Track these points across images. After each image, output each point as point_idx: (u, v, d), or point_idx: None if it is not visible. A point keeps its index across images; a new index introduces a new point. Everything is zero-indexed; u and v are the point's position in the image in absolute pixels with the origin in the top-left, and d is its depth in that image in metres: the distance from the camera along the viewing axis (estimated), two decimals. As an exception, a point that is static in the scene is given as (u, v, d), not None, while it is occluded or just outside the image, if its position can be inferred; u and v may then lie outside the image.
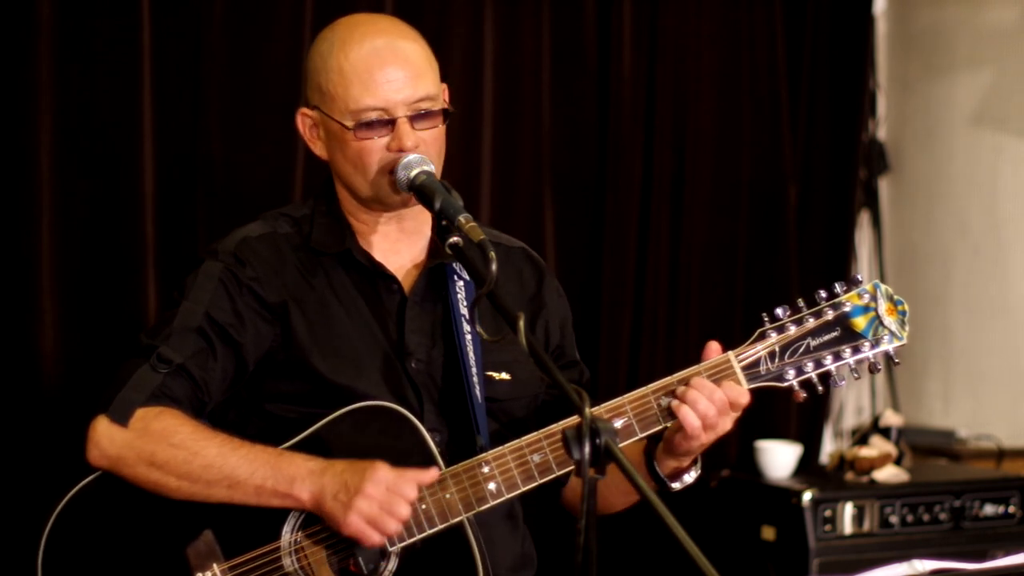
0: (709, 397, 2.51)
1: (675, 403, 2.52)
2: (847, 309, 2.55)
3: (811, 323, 2.55)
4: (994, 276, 5.05)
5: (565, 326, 2.86)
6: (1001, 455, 4.87)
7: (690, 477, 2.64)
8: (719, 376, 2.54)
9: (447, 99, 2.71)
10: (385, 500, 2.44)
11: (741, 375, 2.54)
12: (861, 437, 4.81)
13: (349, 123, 2.62)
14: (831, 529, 4.32)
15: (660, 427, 2.55)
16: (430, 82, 2.65)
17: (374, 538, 2.46)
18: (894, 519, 4.39)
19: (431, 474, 2.49)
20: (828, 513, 4.32)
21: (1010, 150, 5.00)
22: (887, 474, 4.50)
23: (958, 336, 5.14)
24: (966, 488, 4.49)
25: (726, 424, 2.53)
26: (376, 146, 2.62)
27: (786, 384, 2.55)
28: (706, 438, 2.53)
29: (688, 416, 2.50)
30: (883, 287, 2.58)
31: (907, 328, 2.57)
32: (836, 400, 5.21)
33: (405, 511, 2.45)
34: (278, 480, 2.48)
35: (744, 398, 2.53)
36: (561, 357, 2.83)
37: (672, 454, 2.58)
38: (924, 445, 4.96)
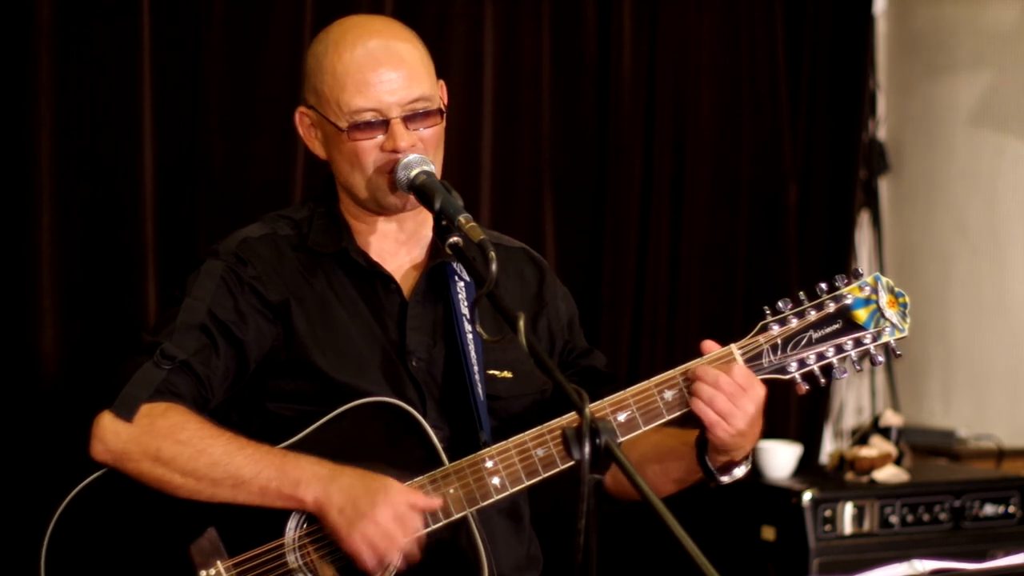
0: (713, 383, 2.50)
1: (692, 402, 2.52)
2: (848, 301, 2.56)
3: (813, 316, 2.56)
4: (994, 276, 5.05)
5: (572, 322, 2.88)
6: (1001, 455, 4.87)
7: (740, 471, 2.62)
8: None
9: (444, 97, 2.71)
10: (390, 529, 2.44)
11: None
12: (861, 437, 4.81)
13: (343, 124, 2.62)
14: (831, 529, 4.32)
15: (663, 420, 2.55)
16: (425, 82, 2.65)
17: (372, 563, 2.46)
18: (894, 519, 4.39)
19: (437, 501, 2.49)
20: (828, 513, 4.32)
21: (1010, 150, 5.00)
22: (887, 474, 4.50)
23: (958, 336, 5.14)
24: (966, 488, 4.49)
25: (746, 408, 2.50)
26: (371, 146, 2.62)
27: (788, 376, 2.56)
28: (728, 427, 2.50)
29: (696, 405, 2.51)
30: (884, 279, 2.59)
31: (908, 320, 2.59)
32: (836, 400, 5.21)
33: (407, 543, 2.45)
34: (283, 482, 2.49)
35: (740, 374, 2.50)
36: (572, 351, 2.84)
37: (715, 449, 2.57)
38: (924, 445, 4.96)
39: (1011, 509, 4.51)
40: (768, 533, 4.39)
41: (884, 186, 5.34)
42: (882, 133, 5.31)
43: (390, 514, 2.44)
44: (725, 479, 2.62)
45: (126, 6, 3.80)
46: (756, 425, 2.56)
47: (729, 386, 2.50)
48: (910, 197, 5.30)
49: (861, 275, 2.59)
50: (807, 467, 4.73)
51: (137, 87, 3.80)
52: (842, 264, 5.07)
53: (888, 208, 5.34)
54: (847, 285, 2.58)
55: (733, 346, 2.56)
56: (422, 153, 2.62)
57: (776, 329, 2.55)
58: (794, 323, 2.56)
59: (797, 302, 2.57)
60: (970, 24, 5.10)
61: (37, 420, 3.67)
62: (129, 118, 3.81)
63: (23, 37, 3.68)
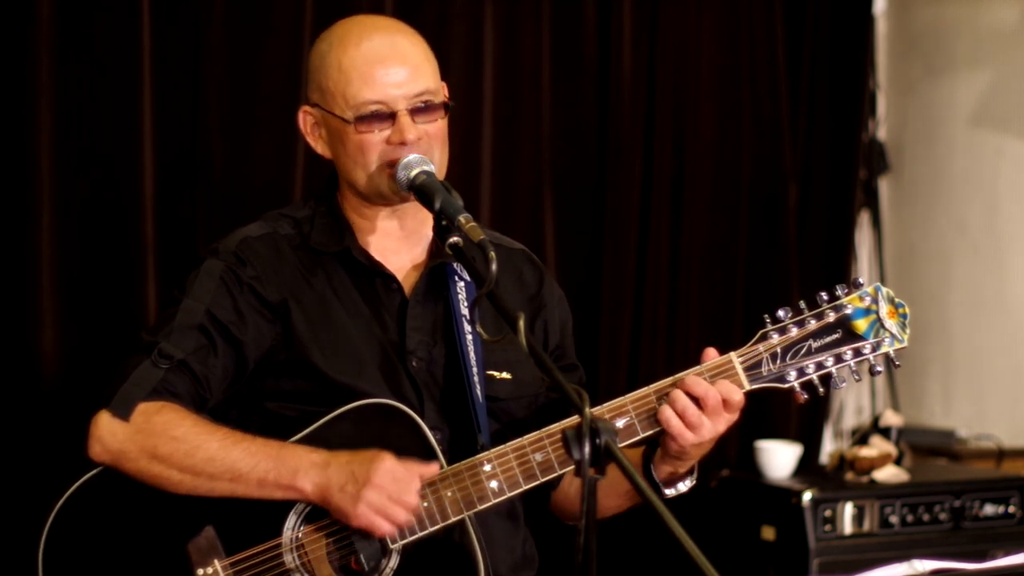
0: (703, 395, 2.51)
1: (661, 409, 2.53)
2: (848, 311, 2.57)
3: (812, 325, 2.57)
4: (994, 276, 5.05)
5: (565, 328, 2.87)
6: (1001, 455, 4.87)
7: (684, 485, 2.65)
8: (720, 377, 2.55)
9: (447, 96, 2.72)
10: (393, 490, 2.45)
11: (743, 376, 2.56)
12: (861, 437, 4.81)
13: (349, 116, 2.63)
14: (831, 529, 4.32)
15: (661, 428, 2.55)
16: (429, 77, 2.67)
17: (384, 528, 2.47)
18: (894, 519, 4.39)
19: (432, 468, 2.50)
20: (828, 513, 4.32)
21: (1010, 150, 5.00)
22: (887, 474, 4.50)
23: (958, 336, 5.14)
24: (966, 488, 4.49)
25: (718, 426, 2.53)
26: (376, 139, 2.63)
27: (787, 385, 2.56)
28: (693, 438, 2.52)
29: (664, 412, 2.51)
30: (884, 290, 2.60)
31: (908, 331, 2.60)
32: (836, 400, 5.21)
33: (413, 500, 2.46)
34: (281, 472, 2.49)
35: (735, 395, 2.53)
36: (561, 359, 2.84)
37: (667, 456, 2.58)
38: (924, 445, 4.96)
39: (1011, 509, 4.51)
40: (768, 533, 4.39)
41: (884, 186, 5.34)
42: (882, 133, 5.31)
43: (388, 476, 2.45)
44: (670, 492, 2.64)
45: (126, 6, 3.79)
46: (714, 441, 2.58)
47: (715, 401, 2.52)
48: (910, 197, 5.30)
49: (861, 285, 2.59)
50: (807, 467, 4.73)
51: (137, 87, 3.80)
52: (842, 264, 5.07)
53: (888, 208, 5.34)
54: (847, 295, 2.58)
55: (733, 354, 2.57)
56: (427, 148, 2.63)
57: (776, 338, 2.56)
58: (794, 332, 2.56)
59: (797, 311, 2.57)
60: (970, 24, 5.10)
61: (37, 420, 3.67)
62: (129, 118, 3.80)
63: (23, 36, 3.68)
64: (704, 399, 2.52)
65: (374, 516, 2.46)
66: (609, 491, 2.57)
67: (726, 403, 2.53)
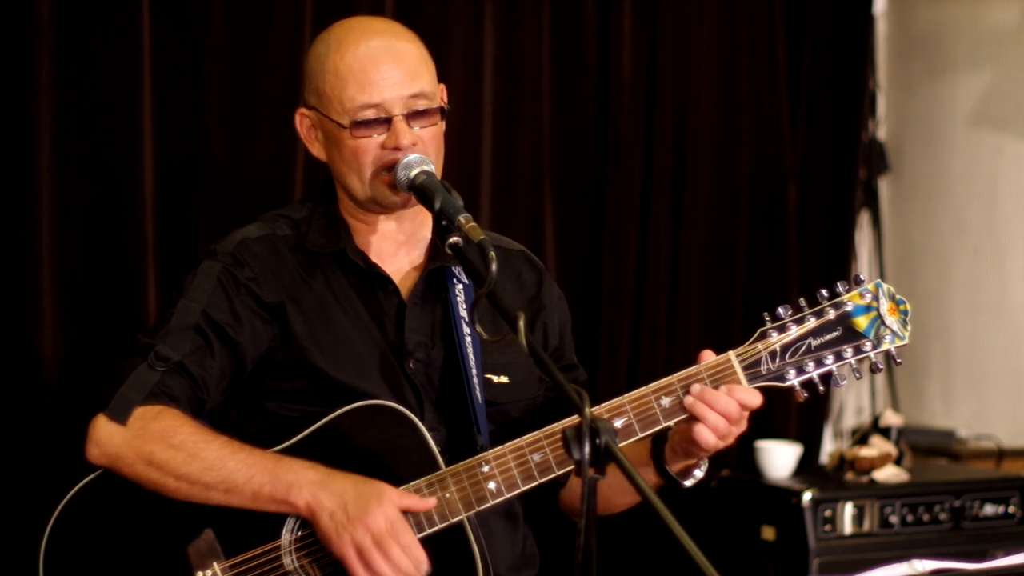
0: (724, 411, 2.50)
1: (694, 426, 2.51)
2: (849, 308, 2.55)
3: (812, 323, 2.55)
4: (994, 276, 5.05)
5: (564, 329, 2.86)
6: (1001, 455, 4.87)
7: (700, 472, 2.64)
8: (721, 376, 2.54)
9: (445, 99, 2.71)
10: (381, 536, 2.44)
11: (742, 375, 2.54)
12: (861, 437, 4.81)
13: (345, 122, 2.62)
14: (831, 529, 4.32)
15: (661, 427, 2.55)
16: (426, 81, 2.66)
17: (360, 569, 2.45)
18: (894, 519, 4.39)
19: (430, 501, 2.49)
20: (828, 513, 4.32)
21: (1010, 150, 5.00)
22: (887, 474, 4.50)
23: (958, 336, 5.14)
24: (966, 488, 4.49)
25: (741, 426, 2.54)
26: (372, 144, 2.62)
27: (787, 384, 2.54)
28: (723, 445, 2.54)
29: (701, 433, 2.50)
30: (885, 286, 2.58)
31: (909, 328, 2.57)
32: (836, 400, 5.21)
33: (397, 554, 2.44)
34: (275, 486, 2.48)
35: (756, 400, 2.52)
36: (559, 360, 2.83)
37: (686, 456, 2.58)
38: (924, 445, 4.96)
39: (1011, 509, 4.51)
40: (768, 533, 4.39)
41: (884, 186, 5.34)
42: (882, 133, 5.31)
43: (382, 521, 2.44)
44: (688, 483, 2.64)
45: (126, 6, 3.79)
46: None
47: (738, 415, 2.52)
48: (910, 197, 5.30)
49: (862, 282, 2.56)
50: (807, 467, 4.73)
51: (137, 87, 3.80)
52: (842, 264, 5.07)
53: (888, 208, 5.35)
54: (848, 292, 2.56)
55: (731, 353, 2.55)
56: (423, 152, 2.62)
57: (775, 336, 2.54)
58: (793, 330, 2.54)
59: (797, 309, 2.55)
60: (970, 24, 5.10)
61: (37, 420, 3.67)
62: (129, 118, 3.80)
63: (23, 36, 3.68)
64: (728, 414, 2.51)
65: (353, 555, 2.44)
66: (618, 489, 2.56)
67: (745, 407, 2.52)
